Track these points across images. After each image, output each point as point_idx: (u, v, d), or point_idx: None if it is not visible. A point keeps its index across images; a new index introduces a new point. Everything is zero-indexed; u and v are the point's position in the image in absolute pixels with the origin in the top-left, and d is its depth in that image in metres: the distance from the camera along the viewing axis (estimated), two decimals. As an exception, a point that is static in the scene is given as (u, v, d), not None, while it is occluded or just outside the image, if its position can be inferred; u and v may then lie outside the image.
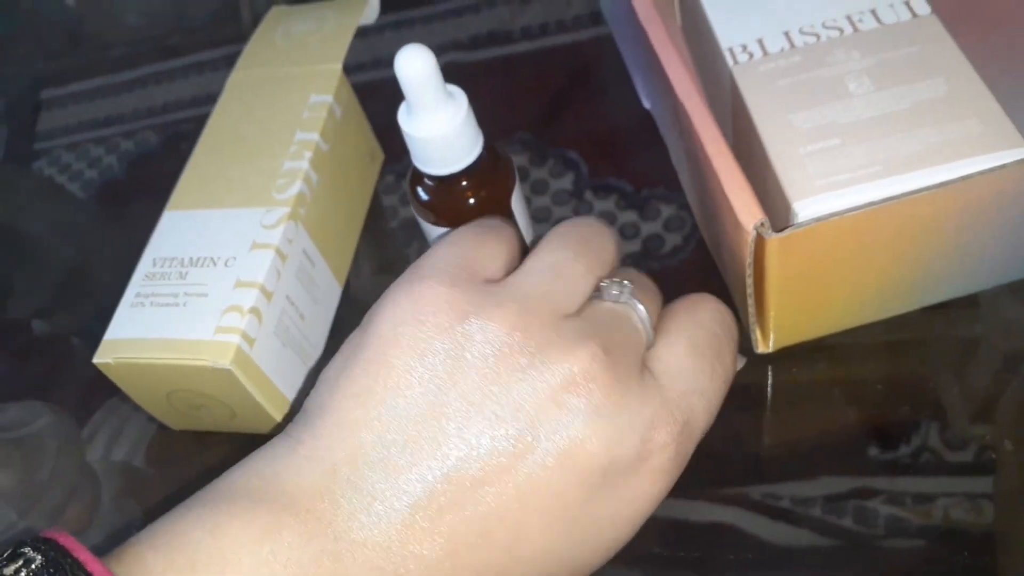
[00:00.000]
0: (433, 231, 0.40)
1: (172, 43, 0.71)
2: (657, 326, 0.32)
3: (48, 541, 0.25)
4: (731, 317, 0.34)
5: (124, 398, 0.43)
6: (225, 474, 0.29)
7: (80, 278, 0.57)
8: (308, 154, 0.44)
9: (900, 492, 0.36)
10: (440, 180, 0.38)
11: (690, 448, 0.31)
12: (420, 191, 0.39)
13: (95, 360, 0.39)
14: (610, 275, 0.32)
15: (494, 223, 0.34)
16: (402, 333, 0.29)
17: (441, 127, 0.36)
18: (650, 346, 0.32)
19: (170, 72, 0.69)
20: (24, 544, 0.25)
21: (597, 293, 0.31)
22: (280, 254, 0.41)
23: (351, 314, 0.47)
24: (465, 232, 0.33)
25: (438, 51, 0.62)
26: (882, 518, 0.36)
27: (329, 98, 0.46)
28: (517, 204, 0.40)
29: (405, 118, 0.36)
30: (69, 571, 0.24)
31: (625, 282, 0.32)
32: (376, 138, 0.54)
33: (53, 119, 0.69)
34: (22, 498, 0.43)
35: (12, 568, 0.24)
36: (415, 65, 0.34)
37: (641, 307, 0.31)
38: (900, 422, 0.38)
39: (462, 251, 0.31)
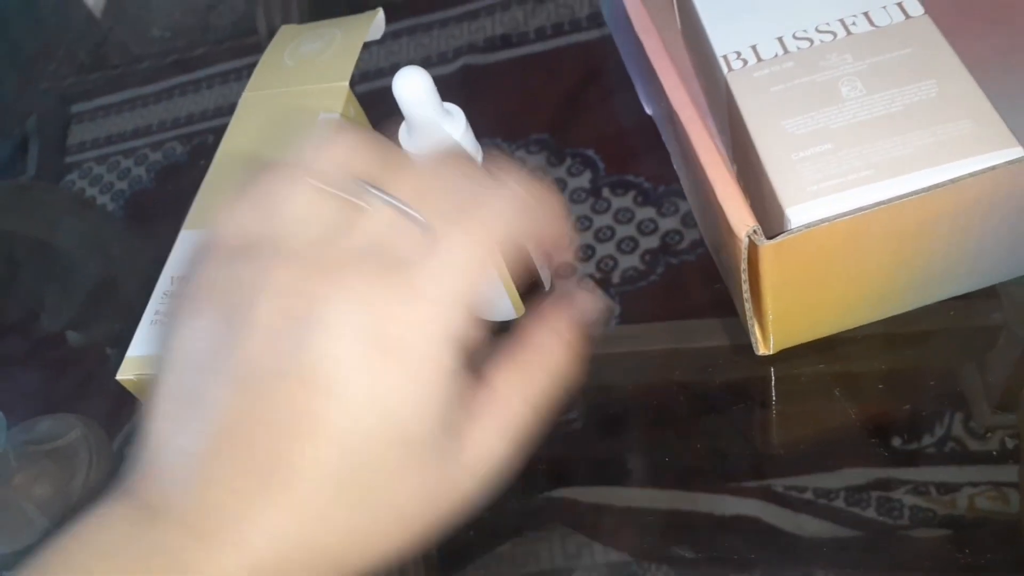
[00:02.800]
0: None
1: (196, 55, 0.72)
2: None
3: None
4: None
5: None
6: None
7: (112, 290, 0.58)
8: None
9: (924, 482, 0.37)
10: None
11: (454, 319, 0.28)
12: None
13: (118, 377, 0.41)
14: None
15: None
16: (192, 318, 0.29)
17: (439, 145, 0.37)
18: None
19: (194, 83, 0.70)
20: None
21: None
22: None
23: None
24: None
25: (453, 54, 0.64)
26: (906, 508, 0.36)
27: (337, 115, 0.48)
28: None
29: (405, 137, 0.37)
30: None
31: (381, 190, 0.30)
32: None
33: (83, 132, 0.71)
34: (57, 507, 0.44)
35: None
36: (411, 86, 0.35)
37: (404, 206, 0.30)
38: (922, 412, 0.39)
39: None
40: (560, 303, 0.33)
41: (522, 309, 0.44)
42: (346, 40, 0.51)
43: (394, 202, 0.29)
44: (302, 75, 0.50)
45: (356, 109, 0.50)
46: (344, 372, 0.27)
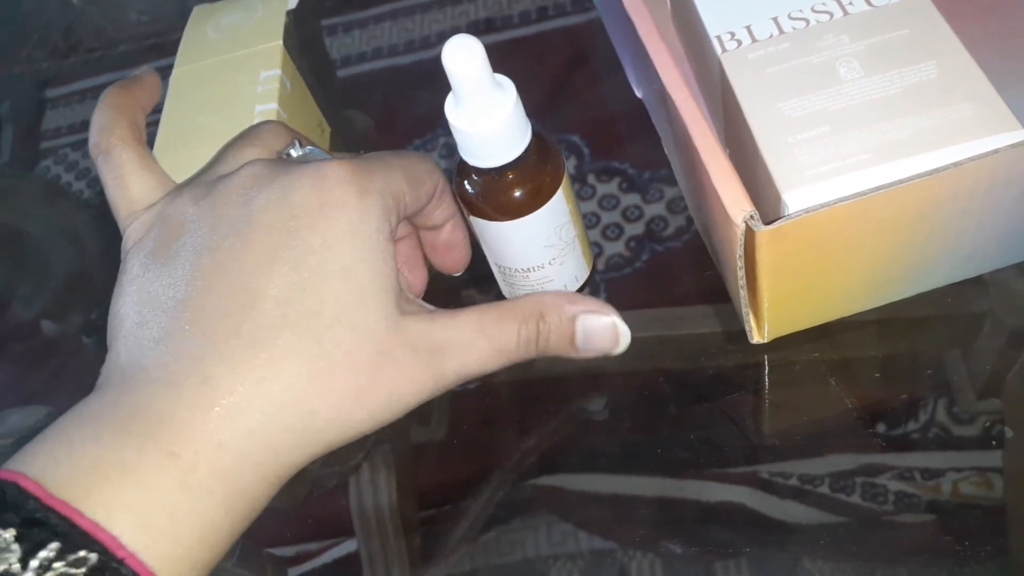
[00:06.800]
0: (482, 226, 0.40)
1: (174, 39, 0.71)
2: None
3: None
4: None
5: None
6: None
7: (86, 278, 0.57)
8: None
9: (909, 468, 0.37)
10: (487, 173, 0.37)
11: (369, 167, 0.34)
12: (467, 185, 0.39)
13: None
14: (291, 145, 0.37)
15: None
16: (131, 266, 0.34)
17: (489, 119, 0.35)
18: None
19: (172, 68, 0.69)
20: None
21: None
22: None
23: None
24: None
25: (436, 39, 0.63)
26: (891, 494, 0.36)
27: (278, 71, 0.49)
28: (566, 194, 0.40)
29: (452, 110, 0.35)
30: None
31: (308, 146, 0.37)
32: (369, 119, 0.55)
33: (58, 118, 0.70)
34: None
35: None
36: (462, 57, 0.33)
37: (326, 154, 0.37)
38: (910, 399, 0.38)
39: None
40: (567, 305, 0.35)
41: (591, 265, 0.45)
42: (268, 7, 0.53)
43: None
44: (231, 43, 0.52)
45: (291, 68, 0.51)
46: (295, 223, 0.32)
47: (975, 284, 0.40)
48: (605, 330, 0.36)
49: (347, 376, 0.31)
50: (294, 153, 0.36)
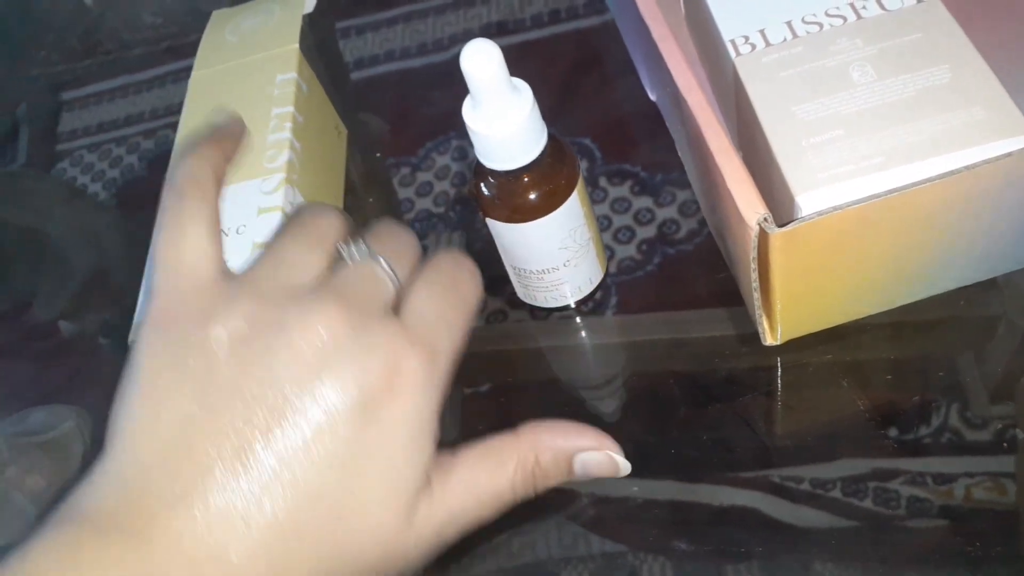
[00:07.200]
0: (498, 228, 0.41)
1: (188, 41, 0.72)
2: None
3: None
4: (466, 258, 0.36)
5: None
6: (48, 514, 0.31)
7: (103, 279, 0.58)
8: (288, 125, 0.47)
9: (921, 472, 0.37)
10: (504, 175, 0.38)
11: (441, 369, 0.33)
12: (483, 187, 0.39)
13: (131, 339, 0.41)
14: (346, 240, 0.34)
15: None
16: (159, 344, 0.31)
17: (505, 123, 0.36)
18: (398, 291, 0.34)
19: (187, 70, 0.69)
20: None
21: (339, 257, 0.34)
22: (285, 214, 0.44)
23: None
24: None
25: (448, 41, 0.63)
26: (903, 499, 0.36)
27: (294, 75, 0.50)
28: (581, 197, 0.40)
29: (470, 113, 0.36)
30: None
31: (360, 242, 0.34)
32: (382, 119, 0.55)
33: (74, 120, 0.70)
34: (50, 500, 0.44)
35: None
36: (481, 61, 0.34)
37: (381, 259, 0.33)
38: (919, 403, 0.39)
39: (191, 261, 0.33)
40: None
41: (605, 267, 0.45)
42: (285, 12, 0.54)
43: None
44: (249, 47, 0.53)
45: (308, 71, 0.52)
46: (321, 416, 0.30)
47: (988, 287, 0.40)
48: (602, 464, 0.35)
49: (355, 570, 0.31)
50: (345, 254, 0.34)
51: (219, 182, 0.35)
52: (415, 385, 0.31)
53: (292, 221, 0.35)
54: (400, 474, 0.31)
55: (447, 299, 0.34)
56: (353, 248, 0.34)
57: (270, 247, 0.34)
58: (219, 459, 0.29)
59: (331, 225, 0.35)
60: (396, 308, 0.33)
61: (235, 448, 0.29)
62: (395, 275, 0.34)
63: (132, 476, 0.30)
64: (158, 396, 0.30)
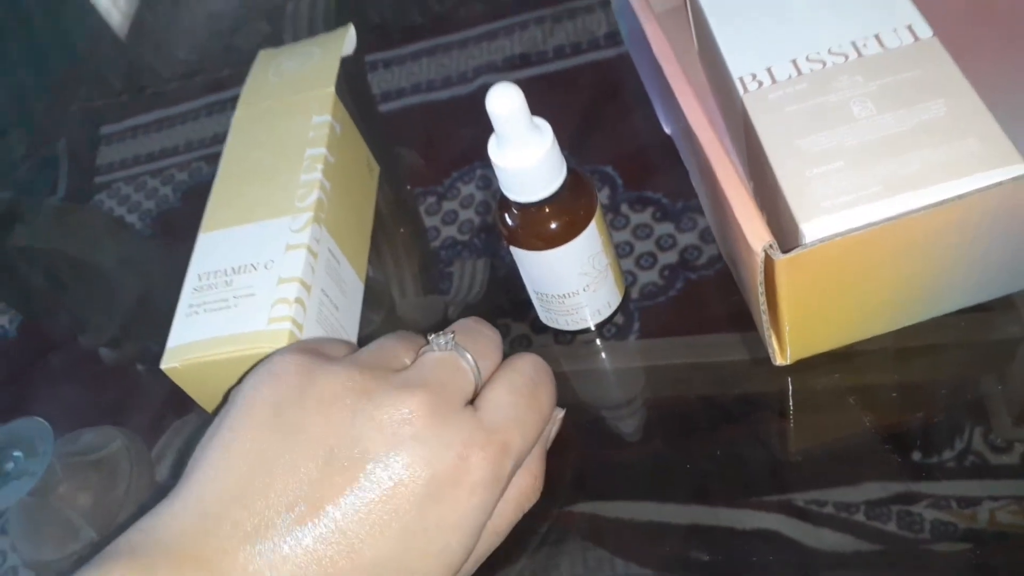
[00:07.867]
0: (521, 255, 0.43)
1: (221, 76, 0.74)
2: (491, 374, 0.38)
3: None
4: (545, 365, 0.39)
5: (188, 422, 0.46)
6: (121, 535, 0.33)
7: (143, 307, 0.60)
8: (319, 166, 0.49)
9: (945, 496, 0.37)
10: (526, 207, 0.41)
11: (507, 466, 0.35)
12: (507, 218, 0.42)
13: (162, 366, 0.43)
14: (436, 332, 0.38)
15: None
16: (260, 392, 0.35)
17: (527, 159, 0.38)
18: (478, 385, 0.37)
19: (220, 104, 0.72)
20: None
21: (429, 345, 0.37)
22: (311, 252, 0.46)
23: (372, 308, 0.52)
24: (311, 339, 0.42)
25: (472, 74, 0.65)
26: (927, 523, 0.37)
27: (328, 117, 0.52)
28: (599, 226, 0.43)
29: (495, 150, 0.39)
30: None
31: (449, 334, 0.37)
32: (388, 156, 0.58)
33: (112, 153, 0.72)
34: (99, 516, 0.46)
35: None
36: (504, 102, 0.36)
37: (466, 352, 0.37)
38: (942, 426, 0.39)
39: (311, 343, 0.39)
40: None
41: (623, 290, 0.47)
42: (325, 54, 0.56)
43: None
44: (289, 88, 0.55)
45: (343, 112, 0.54)
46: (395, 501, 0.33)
47: (1007, 307, 0.41)
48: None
49: None
50: (433, 343, 0.37)
51: None
52: (481, 481, 0.34)
53: (398, 332, 0.40)
54: (452, 556, 0.34)
55: (524, 400, 0.37)
56: (442, 339, 0.37)
57: (376, 341, 0.39)
58: (288, 509, 0.32)
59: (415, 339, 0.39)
60: (475, 401, 0.36)
61: (307, 495, 0.32)
62: (478, 369, 0.37)
63: (212, 505, 0.32)
64: (249, 435, 0.33)
